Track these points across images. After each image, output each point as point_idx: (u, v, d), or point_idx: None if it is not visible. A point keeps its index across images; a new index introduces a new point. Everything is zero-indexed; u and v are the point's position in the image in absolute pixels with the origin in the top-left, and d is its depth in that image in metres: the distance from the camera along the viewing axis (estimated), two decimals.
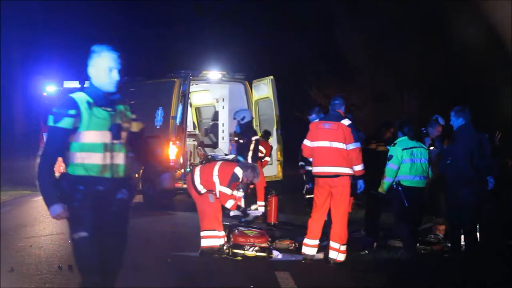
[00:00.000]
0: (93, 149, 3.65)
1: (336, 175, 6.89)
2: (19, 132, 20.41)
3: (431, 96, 18.02)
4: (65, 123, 3.61)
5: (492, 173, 7.03)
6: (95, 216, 3.65)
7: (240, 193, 7.90)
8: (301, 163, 9.01)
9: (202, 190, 7.18)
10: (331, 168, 6.91)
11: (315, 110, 8.17)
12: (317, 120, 7.34)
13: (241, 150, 10.16)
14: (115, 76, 3.77)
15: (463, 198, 6.82)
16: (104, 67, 3.74)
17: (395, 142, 7.52)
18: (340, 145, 6.89)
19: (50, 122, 3.64)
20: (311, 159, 7.40)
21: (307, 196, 9.10)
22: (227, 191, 7.12)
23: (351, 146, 6.89)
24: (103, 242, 3.69)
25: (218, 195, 7.14)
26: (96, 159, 3.65)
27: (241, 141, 10.24)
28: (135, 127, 3.93)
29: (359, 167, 6.94)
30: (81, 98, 3.68)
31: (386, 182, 7.39)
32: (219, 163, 7.42)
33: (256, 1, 25.31)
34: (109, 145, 3.69)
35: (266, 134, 11.80)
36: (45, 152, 3.66)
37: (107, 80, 3.75)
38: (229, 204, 7.16)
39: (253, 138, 10.16)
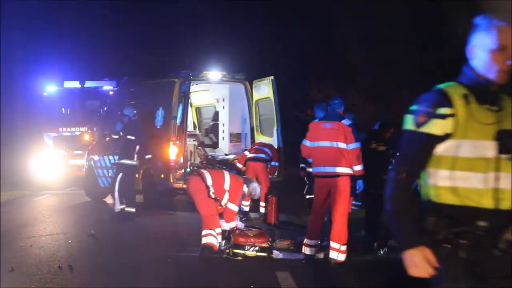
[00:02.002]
0: (470, 167, 2.53)
1: (336, 175, 6.90)
2: (19, 132, 20.39)
3: None
4: (434, 127, 2.54)
5: None
6: (474, 266, 2.55)
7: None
8: (302, 165, 8.98)
9: (214, 195, 7.28)
10: (331, 168, 6.91)
11: (321, 106, 8.07)
12: (316, 120, 7.34)
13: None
14: (508, 58, 2.53)
15: None
16: (490, 46, 2.56)
17: None
18: (341, 145, 6.89)
19: (410, 125, 2.60)
20: (310, 160, 7.37)
21: (307, 196, 9.11)
22: (236, 209, 7.38)
23: (352, 146, 6.89)
24: None
25: (223, 208, 7.33)
26: (474, 181, 2.53)
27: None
28: None
29: (358, 167, 6.94)
30: (456, 91, 2.58)
31: None
32: (227, 175, 7.47)
33: (256, 1, 25.32)
34: (493, 162, 2.53)
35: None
36: (402, 167, 2.61)
37: (493, 65, 2.56)
38: (232, 224, 7.35)
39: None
